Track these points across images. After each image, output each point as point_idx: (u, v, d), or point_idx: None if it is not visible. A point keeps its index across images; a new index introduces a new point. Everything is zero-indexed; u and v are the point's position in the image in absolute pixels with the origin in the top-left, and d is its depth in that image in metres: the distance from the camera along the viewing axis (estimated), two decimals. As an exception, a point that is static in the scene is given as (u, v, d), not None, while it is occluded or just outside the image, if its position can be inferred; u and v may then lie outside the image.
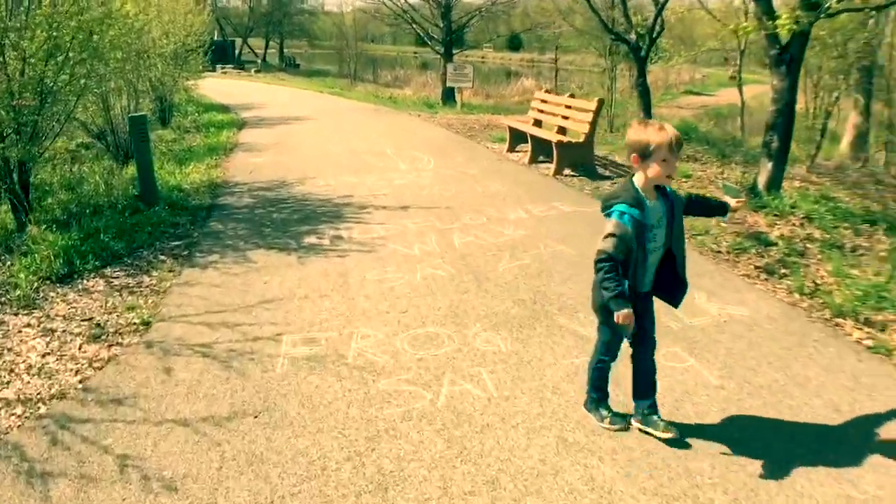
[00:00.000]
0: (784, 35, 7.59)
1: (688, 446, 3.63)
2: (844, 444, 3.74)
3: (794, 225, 7.82)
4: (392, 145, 13.02)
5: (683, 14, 15.84)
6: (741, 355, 4.73)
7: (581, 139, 10.34)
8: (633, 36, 12.97)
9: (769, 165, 8.42)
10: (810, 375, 4.50)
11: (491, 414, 3.96)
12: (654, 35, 12.97)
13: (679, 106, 24.48)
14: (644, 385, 3.76)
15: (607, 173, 10.71)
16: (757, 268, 6.59)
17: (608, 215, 3.41)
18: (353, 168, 10.94)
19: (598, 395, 3.89)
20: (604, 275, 3.36)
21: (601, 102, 10.68)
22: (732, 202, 3.71)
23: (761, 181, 8.60)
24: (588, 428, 3.79)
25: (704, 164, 11.50)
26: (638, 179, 3.40)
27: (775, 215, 8.07)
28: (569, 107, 11.16)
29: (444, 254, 6.72)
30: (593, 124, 10.30)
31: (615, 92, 17.81)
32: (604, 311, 3.55)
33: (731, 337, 5.03)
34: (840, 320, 5.49)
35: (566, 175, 10.44)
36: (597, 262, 3.40)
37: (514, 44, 73.77)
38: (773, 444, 3.70)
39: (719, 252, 7.06)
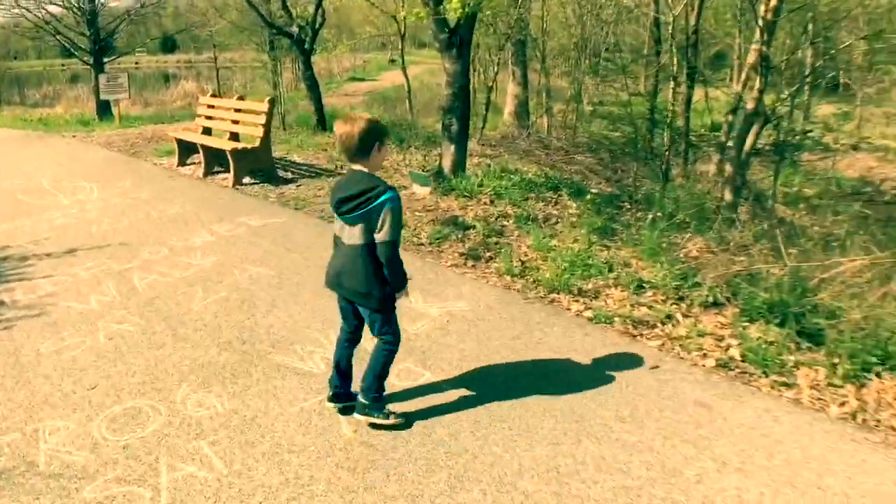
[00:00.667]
0: (452, 18, 7.59)
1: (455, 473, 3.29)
2: (606, 432, 3.66)
3: (485, 204, 7.94)
4: (48, 176, 11.09)
5: (342, 2, 15.69)
6: (474, 356, 4.50)
7: (257, 144, 9.60)
8: (294, 28, 12.50)
9: (452, 148, 8.48)
10: (546, 363, 4.42)
11: (226, 498, 3.27)
12: (316, 26, 12.63)
13: (346, 94, 24.61)
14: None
15: (290, 175, 10.13)
16: (462, 255, 6.50)
17: (383, 204, 3.32)
18: (4, 213, 9.03)
19: (382, 392, 3.76)
20: (398, 261, 3.43)
21: (273, 102, 10.06)
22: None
23: (446, 165, 8.65)
24: (342, 485, 3.27)
25: (390, 154, 11.46)
26: (373, 170, 3.45)
27: (465, 196, 8.14)
28: (239, 110, 10.33)
29: (128, 302, 5.66)
30: (268, 126, 9.63)
31: (282, 87, 17.24)
32: (388, 300, 3.54)
33: (459, 337, 4.80)
34: (555, 296, 5.55)
35: (247, 184, 9.66)
36: (388, 252, 3.40)
37: (169, 46, 69.91)
38: (538, 448, 3.49)
39: (421, 245, 6.88)
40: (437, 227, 7.22)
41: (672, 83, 13.59)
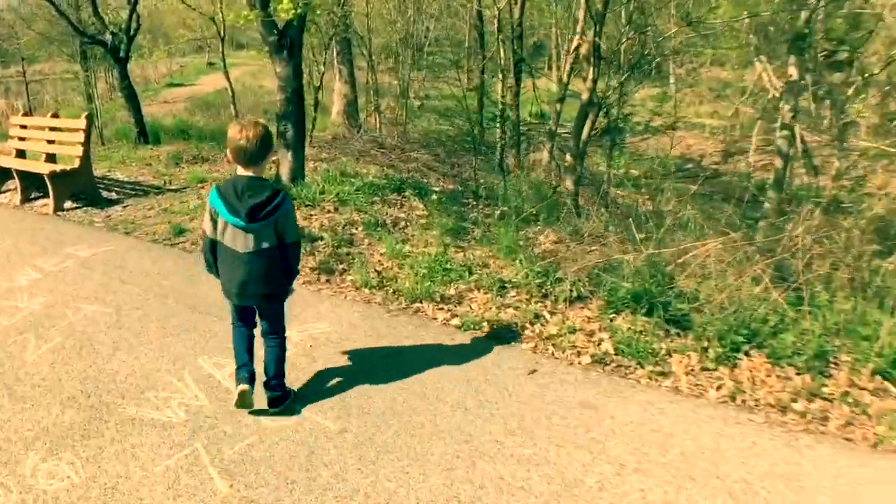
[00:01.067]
0: (282, 19, 7.14)
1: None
2: (499, 449, 3.43)
3: (330, 212, 7.54)
4: None
5: (156, 6, 14.64)
6: (347, 382, 4.14)
7: (76, 164, 8.62)
8: (108, 36, 11.49)
9: (289, 155, 8.01)
10: (424, 380, 4.15)
11: None
12: (131, 33, 11.68)
13: (165, 101, 23.00)
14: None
15: (115, 196, 9.19)
16: (313, 269, 6.08)
17: (285, 207, 3.44)
18: None
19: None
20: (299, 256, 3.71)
21: (91, 117, 9.11)
22: None
23: (284, 173, 8.16)
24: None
25: (217, 164, 10.72)
26: (264, 175, 3.55)
27: (308, 205, 7.69)
28: (54, 128, 9.28)
29: (-63, 362, 4.82)
30: (87, 144, 8.67)
31: (97, 99, 15.88)
32: (285, 294, 3.79)
33: (327, 363, 4.42)
34: (418, 305, 5.30)
35: (69, 209, 8.66)
36: (296, 248, 3.63)
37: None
38: (432, 477, 3.19)
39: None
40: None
41: (501, 75, 13.75)
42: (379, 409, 3.83)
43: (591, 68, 8.46)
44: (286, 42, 7.62)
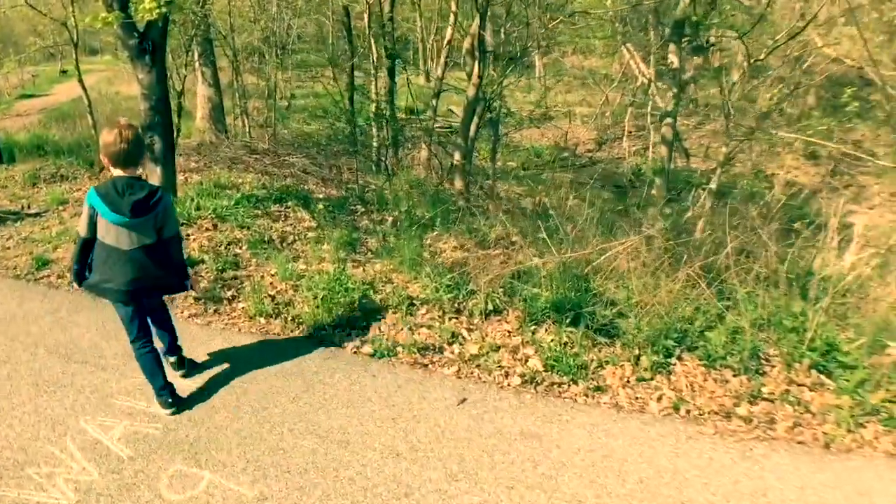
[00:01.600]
0: (142, 21, 6.40)
1: None
2: (444, 500, 3.04)
3: (209, 230, 6.87)
4: None
5: (5, 13, 13.17)
6: (257, 436, 3.60)
7: None
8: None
9: (158, 170, 7.22)
10: (344, 425, 3.68)
11: None
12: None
13: (19, 114, 20.84)
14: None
15: None
16: (198, 300, 5.45)
17: (163, 196, 3.55)
18: None
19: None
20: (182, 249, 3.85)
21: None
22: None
23: None
24: None
25: (77, 181, 9.66)
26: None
27: (183, 224, 7.01)
28: None
29: None
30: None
31: None
32: (179, 289, 3.97)
33: (231, 414, 3.85)
34: (323, 332, 4.81)
35: None
36: (178, 240, 3.77)
37: None
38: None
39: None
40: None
41: (374, 72, 13.28)
42: (299, 466, 3.34)
43: (476, 62, 8.15)
44: (148, 46, 6.86)
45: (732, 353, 4.15)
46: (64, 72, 28.03)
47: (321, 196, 8.72)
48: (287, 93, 20.27)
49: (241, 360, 4.44)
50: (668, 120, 10.11)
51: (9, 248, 6.87)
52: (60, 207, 8.21)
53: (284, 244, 6.55)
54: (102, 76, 23.35)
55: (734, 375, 4.03)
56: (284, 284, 5.56)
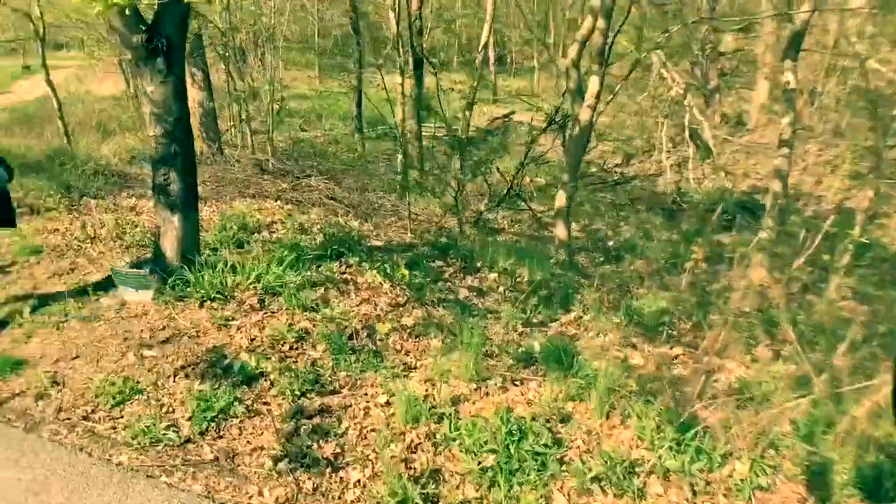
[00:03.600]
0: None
1: None
2: None
3: (255, 310, 4.76)
4: None
5: None
6: None
7: None
8: None
9: (175, 219, 5.08)
10: None
11: None
12: None
13: None
14: None
15: None
16: (275, 458, 3.40)
17: None
18: None
19: None
20: None
21: None
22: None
23: (168, 246, 5.13)
24: None
25: (53, 215, 7.24)
26: None
27: (218, 299, 4.87)
28: None
29: None
30: None
31: None
32: None
33: None
34: None
35: None
36: None
37: None
38: None
39: (189, 442, 3.64)
40: (193, 382, 3.96)
41: (399, 75, 11.19)
42: None
43: (594, 77, 6.13)
44: (161, 44, 4.75)
45: None
46: (27, 67, 25.29)
47: (378, 243, 6.67)
48: (278, 95, 18.15)
49: None
50: (784, 150, 8.18)
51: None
52: (31, 260, 5.95)
53: (373, 339, 4.50)
54: (70, 73, 20.67)
55: None
56: (414, 432, 3.52)
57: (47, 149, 9.82)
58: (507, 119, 18.07)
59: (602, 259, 9.21)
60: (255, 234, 6.42)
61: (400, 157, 11.67)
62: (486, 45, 12.04)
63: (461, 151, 8.70)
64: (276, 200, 8.22)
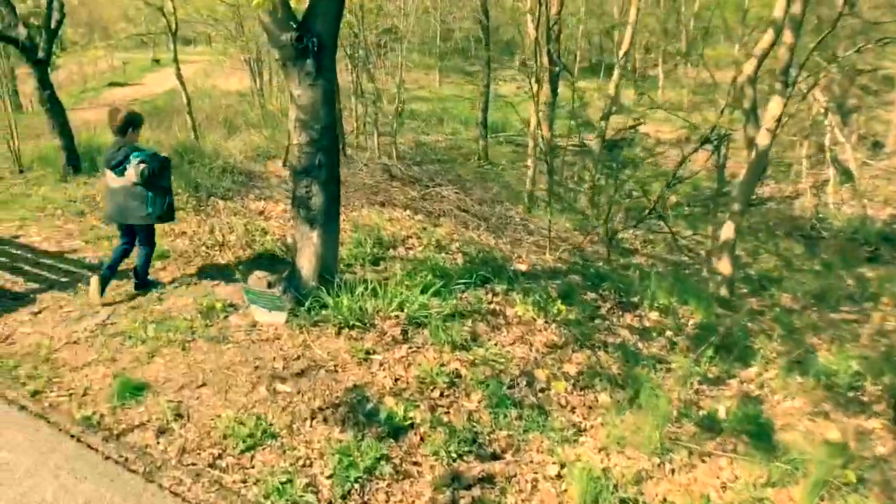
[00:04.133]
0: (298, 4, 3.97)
1: None
2: None
3: (398, 344, 4.28)
4: None
5: None
6: None
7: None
8: (21, 30, 7.99)
9: (314, 236, 4.66)
10: None
11: None
12: (53, 27, 8.27)
13: (106, 103, 18.59)
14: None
15: (17, 288, 5.55)
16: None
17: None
18: None
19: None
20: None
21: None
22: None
23: (305, 266, 4.71)
24: None
25: (181, 219, 6.98)
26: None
27: (358, 326, 4.39)
28: None
29: None
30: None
31: (10, 108, 11.50)
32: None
33: None
34: None
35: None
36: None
37: None
38: None
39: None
40: (332, 429, 3.48)
41: (535, 83, 10.59)
42: None
43: (777, 97, 5.36)
44: (312, 44, 4.33)
45: None
46: (157, 61, 26.12)
47: (521, 267, 6.10)
48: (400, 97, 17.89)
49: None
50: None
51: (77, 349, 4.30)
52: (157, 265, 5.61)
53: (533, 389, 3.94)
54: (198, 68, 21.09)
55: None
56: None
57: (176, 143, 9.70)
58: (634, 130, 17.27)
59: (747, 290, 8.45)
60: (391, 250, 5.98)
61: (530, 168, 11.10)
62: (626, 53, 11.32)
63: (614, 171, 8.02)
64: (405, 210, 7.79)
